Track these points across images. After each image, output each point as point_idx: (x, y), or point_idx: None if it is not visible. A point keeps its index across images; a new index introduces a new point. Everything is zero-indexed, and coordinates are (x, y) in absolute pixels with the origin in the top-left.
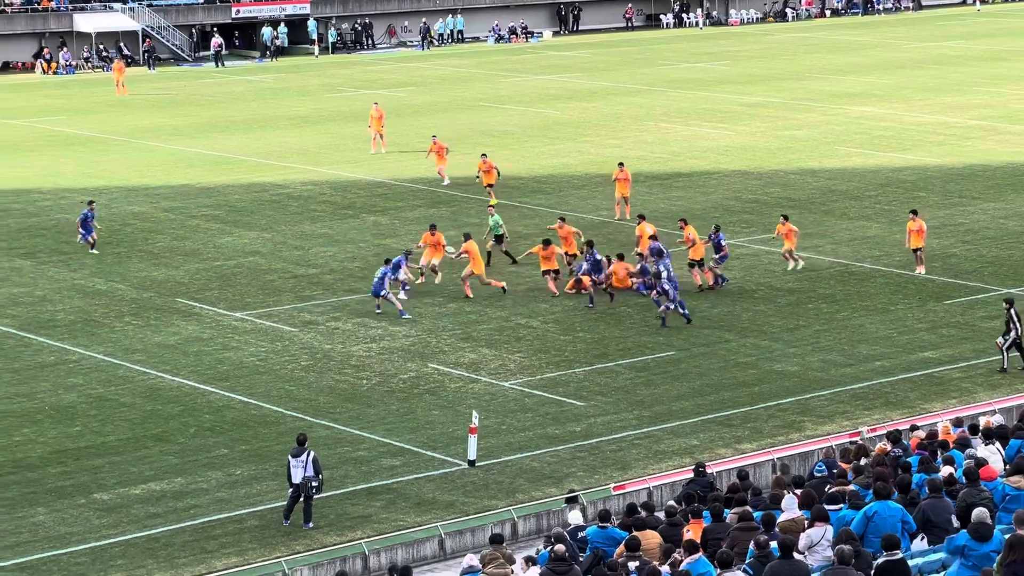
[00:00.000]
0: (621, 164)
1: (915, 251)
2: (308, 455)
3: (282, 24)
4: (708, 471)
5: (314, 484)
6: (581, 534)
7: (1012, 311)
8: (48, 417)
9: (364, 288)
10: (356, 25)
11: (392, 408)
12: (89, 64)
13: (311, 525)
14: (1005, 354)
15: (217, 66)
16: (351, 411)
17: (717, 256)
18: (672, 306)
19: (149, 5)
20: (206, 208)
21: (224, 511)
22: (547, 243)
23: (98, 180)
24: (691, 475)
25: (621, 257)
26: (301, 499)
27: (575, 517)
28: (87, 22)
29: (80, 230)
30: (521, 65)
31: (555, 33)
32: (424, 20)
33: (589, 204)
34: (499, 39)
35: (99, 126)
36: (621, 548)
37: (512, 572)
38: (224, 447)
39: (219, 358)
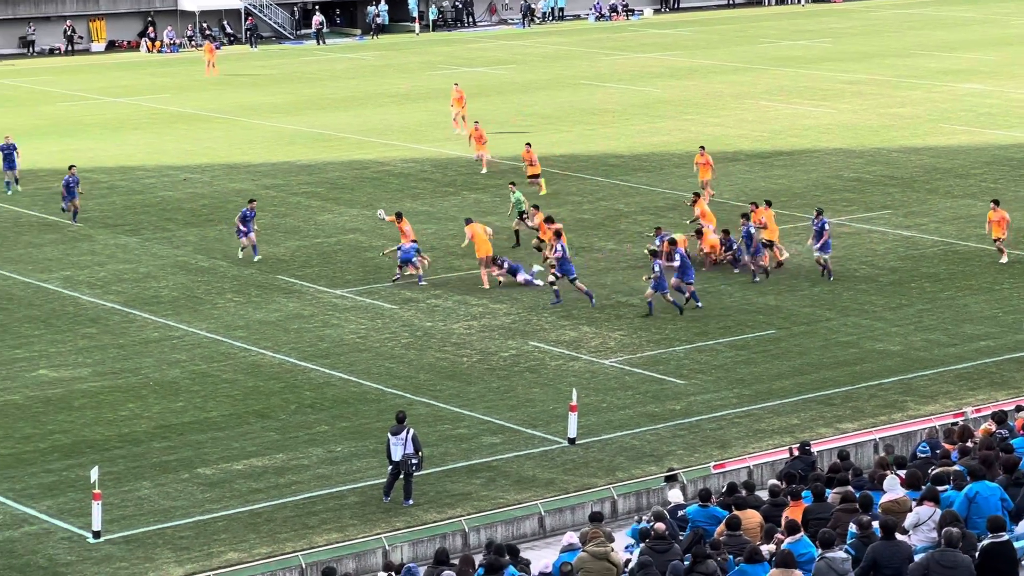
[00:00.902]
0: (702, 148)
1: (995, 240)
2: (408, 432)
3: (383, 2)
4: (811, 450)
5: (414, 461)
6: (681, 513)
7: None
8: (153, 392)
9: (465, 266)
10: (457, 3)
11: (492, 386)
12: (192, 43)
13: (411, 502)
14: None
15: (318, 44)
16: (451, 389)
17: (819, 243)
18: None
19: None
20: (307, 185)
21: (325, 487)
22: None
23: (200, 158)
24: (791, 454)
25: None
26: (401, 476)
27: (675, 495)
28: (191, 1)
29: (64, 196)
30: (622, 43)
31: (656, 11)
32: None
33: (689, 183)
34: (600, 17)
35: (201, 104)
36: (721, 527)
37: (612, 550)
38: (324, 424)
39: (320, 335)
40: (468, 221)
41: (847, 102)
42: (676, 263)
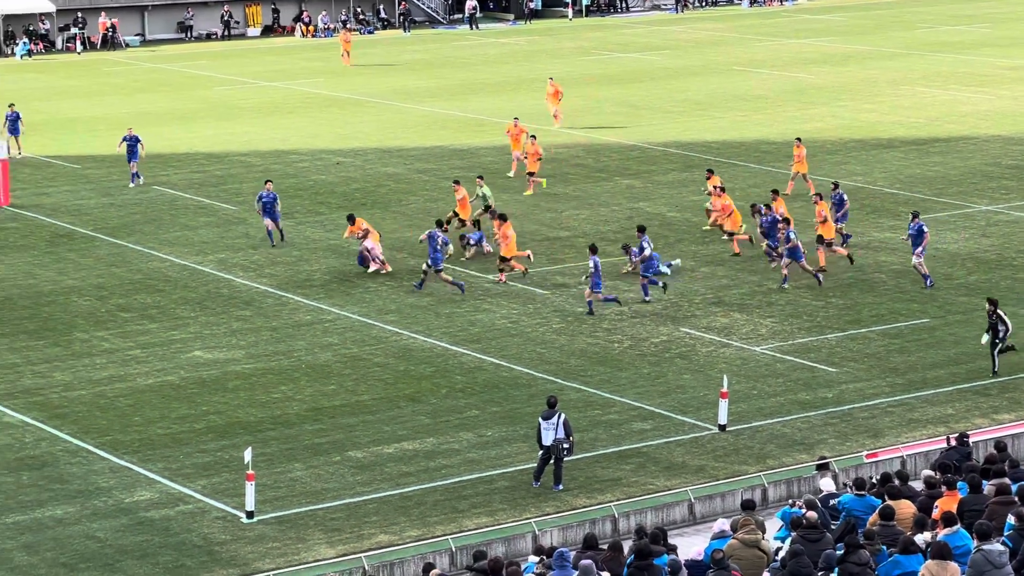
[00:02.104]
0: (799, 140)
1: None
2: (559, 417)
3: None
4: (969, 441)
5: (565, 446)
6: (833, 501)
7: (998, 312)
8: (305, 375)
9: (615, 252)
10: None
11: (643, 372)
12: (346, 27)
13: (561, 487)
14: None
15: (471, 28)
16: (602, 374)
17: (839, 214)
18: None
19: None
20: (459, 170)
21: (475, 472)
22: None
23: (353, 141)
24: (948, 444)
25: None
26: (551, 461)
27: (827, 484)
28: None
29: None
30: (775, 29)
31: None
32: None
33: (843, 169)
34: (754, 2)
35: (355, 88)
36: (875, 517)
37: (763, 538)
38: (475, 408)
39: (471, 320)
40: (504, 219)
41: (1006, 88)
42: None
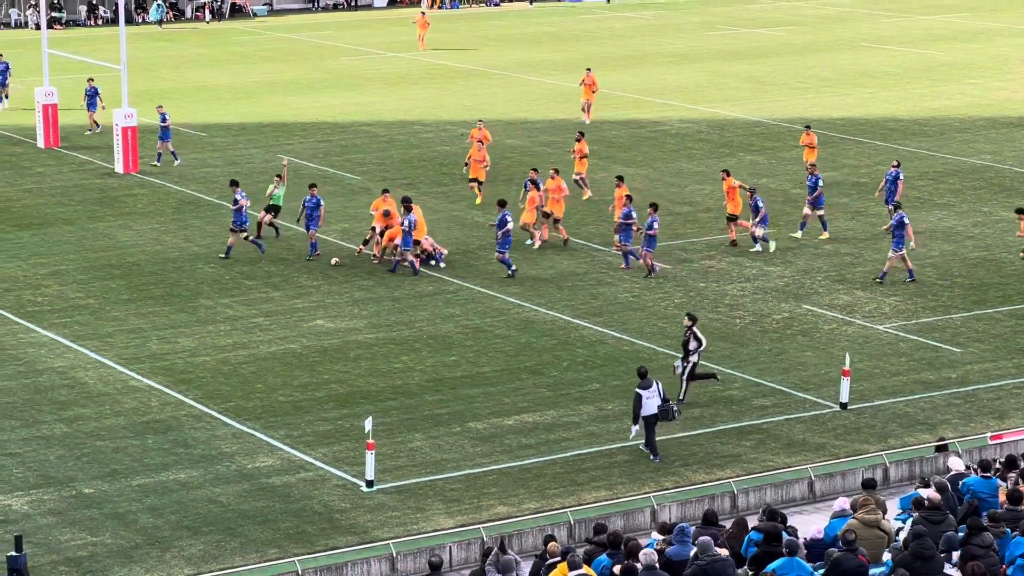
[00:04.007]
0: (808, 127)
1: None
2: (657, 384)
3: None
4: None
5: (676, 407)
6: (959, 482)
7: (694, 329)
8: (426, 346)
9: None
10: None
11: (764, 348)
12: (425, 8)
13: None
14: (685, 383)
15: (607, 1)
16: (723, 350)
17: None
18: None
19: None
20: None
21: (594, 445)
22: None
23: (478, 113)
24: None
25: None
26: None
27: (955, 463)
28: None
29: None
30: (904, 4)
31: None
32: None
33: (971, 148)
34: None
35: (480, 60)
36: (1003, 499)
37: (884, 518)
38: (596, 382)
39: (593, 293)
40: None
41: None
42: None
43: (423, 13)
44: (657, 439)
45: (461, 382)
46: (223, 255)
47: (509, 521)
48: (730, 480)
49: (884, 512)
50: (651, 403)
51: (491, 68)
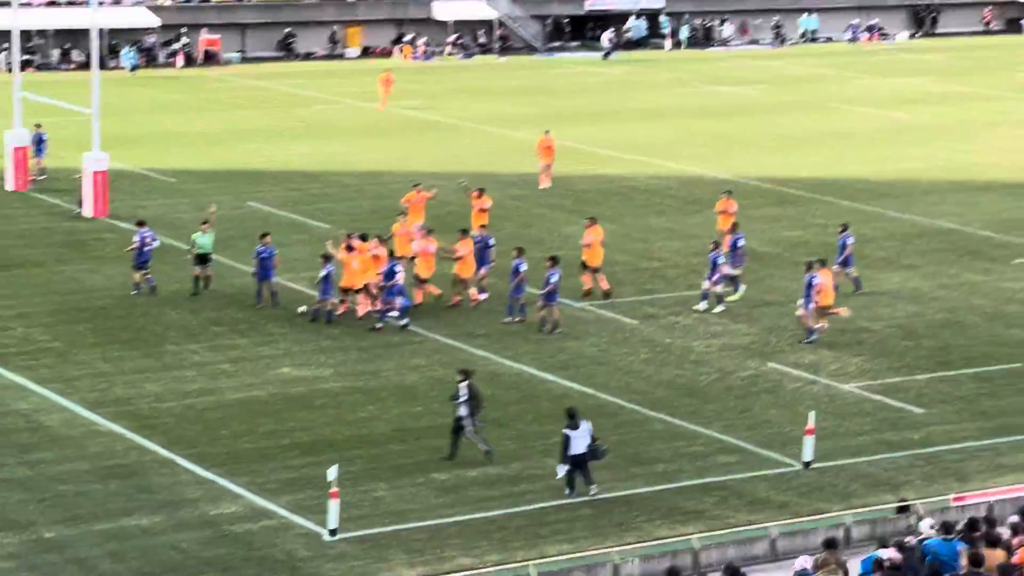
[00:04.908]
0: (728, 192)
1: None
2: (587, 424)
3: (633, 18)
4: None
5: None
6: (920, 545)
7: (469, 382)
8: (392, 395)
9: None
10: (707, 21)
11: (729, 405)
12: (445, 51)
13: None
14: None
15: (605, 59)
16: (688, 406)
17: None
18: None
19: None
20: (552, 197)
21: (558, 498)
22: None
23: (448, 165)
24: None
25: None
26: (581, 468)
27: (925, 526)
28: (445, 10)
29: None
30: (874, 67)
31: (911, 35)
32: (777, 18)
33: (937, 210)
34: (853, 40)
35: (451, 112)
36: (965, 562)
37: None
38: (561, 435)
39: (560, 347)
40: (464, 232)
41: None
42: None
43: (388, 71)
44: (618, 494)
45: (426, 432)
46: (133, 291)
47: (471, 573)
48: (692, 536)
49: (845, 572)
50: (579, 443)
51: (462, 120)
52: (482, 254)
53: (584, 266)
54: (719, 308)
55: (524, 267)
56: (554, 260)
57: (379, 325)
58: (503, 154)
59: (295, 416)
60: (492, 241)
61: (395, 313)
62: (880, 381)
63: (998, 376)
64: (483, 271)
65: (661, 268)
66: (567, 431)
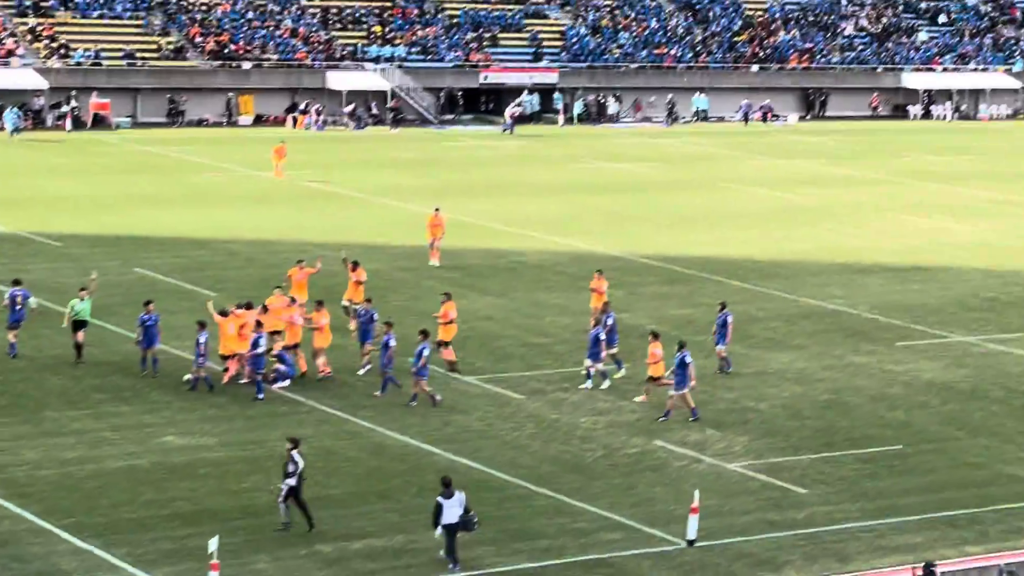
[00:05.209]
0: (599, 272)
1: None
2: (460, 495)
3: (526, 92)
4: (936, 571)
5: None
6: None
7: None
8: (276, 465)
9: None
10: (602, 98)
11: (615, 482)
12: (338, 121)
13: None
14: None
15: (510, 133)
16: (573, 482)
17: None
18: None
19: (400, 66)
20: (442, 270)
21: (441, 572)
22: (320, 304)
23: (337, 235)
24: (913, 573)
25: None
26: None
27: None
28: (339, 80)
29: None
30: (765, 148)
31: (801, 118)
32: (671, 96)
33: (824, 292)
34: (744, 120)
35: (343, 182)
36: None
37: None
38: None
39: (446, 420)
40: (320, 304)
41: (988, 220)
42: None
43: (283, 142)
44: (501, 570)
45: (310, 504)
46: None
47: None
48: None
49: None
50: (452, 512)
51: (353, 190)
52: (365, 328)
53: (440, 342)
54: (605, 385)
55: (393, 342)
56: (424, 334)
57: (260, 396)
58: (394, 226)
59: (177, 486)
60: (376, 315)
61: (285, 383)
62: (765, 460)
63: (880, 458)
64: (367, 346)
65: (550, 344)
66: (440, 499)
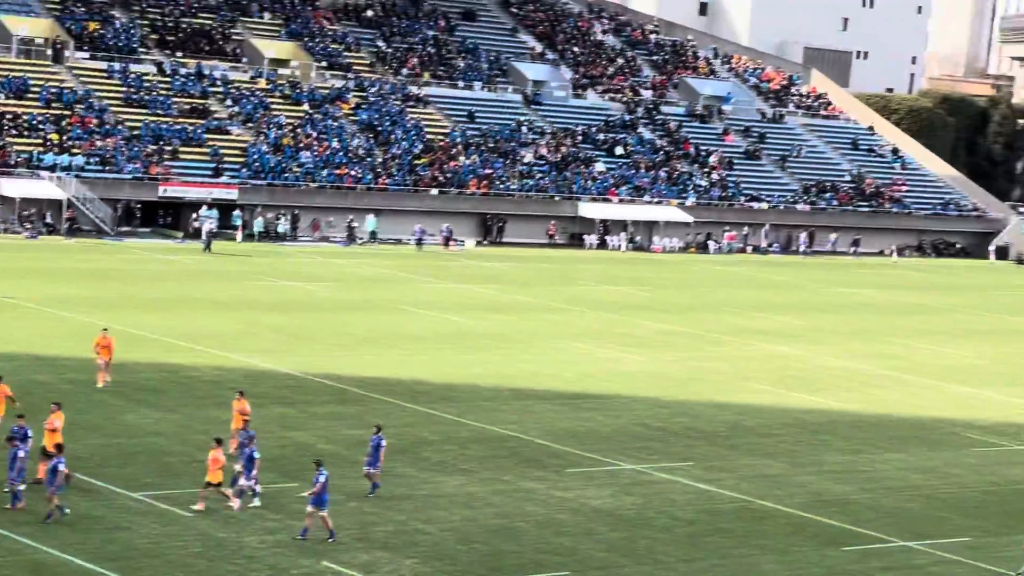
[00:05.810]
0: (241, 393)
1: None
2: None
3: (205, 207)
4: None
5: None
6: None
7: None
8: None
9: (265, 480)
10: (281, 215)
11: None
12: (7, 229)
13: None
14: None
15: (206, 250)
16: None
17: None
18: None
19: (77, 176)
20: (113, 384)
21: None
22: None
23: (6, 346)
24: None
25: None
26: None
27: None
28: (12, 187)
29: None
30: (441, 271)
31: (478, 243)
32: (351, 217)
33: (496, 417)
34: (419, 243)
35: (12, 291)
36: None
37: None
38: None
39: (110, 537)
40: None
41: (659, 351)
42: None
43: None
44: None
45: None
46: None
47: None
48: None
49: None
50: None
51: (23, 300)
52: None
53: (45, 451)
54: (254, 503)
55: (63, 466)
56: (318, 463)
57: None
58: (65, 337)
59: None
60: (30, 432)
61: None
62: None
63: None
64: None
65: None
66: None
